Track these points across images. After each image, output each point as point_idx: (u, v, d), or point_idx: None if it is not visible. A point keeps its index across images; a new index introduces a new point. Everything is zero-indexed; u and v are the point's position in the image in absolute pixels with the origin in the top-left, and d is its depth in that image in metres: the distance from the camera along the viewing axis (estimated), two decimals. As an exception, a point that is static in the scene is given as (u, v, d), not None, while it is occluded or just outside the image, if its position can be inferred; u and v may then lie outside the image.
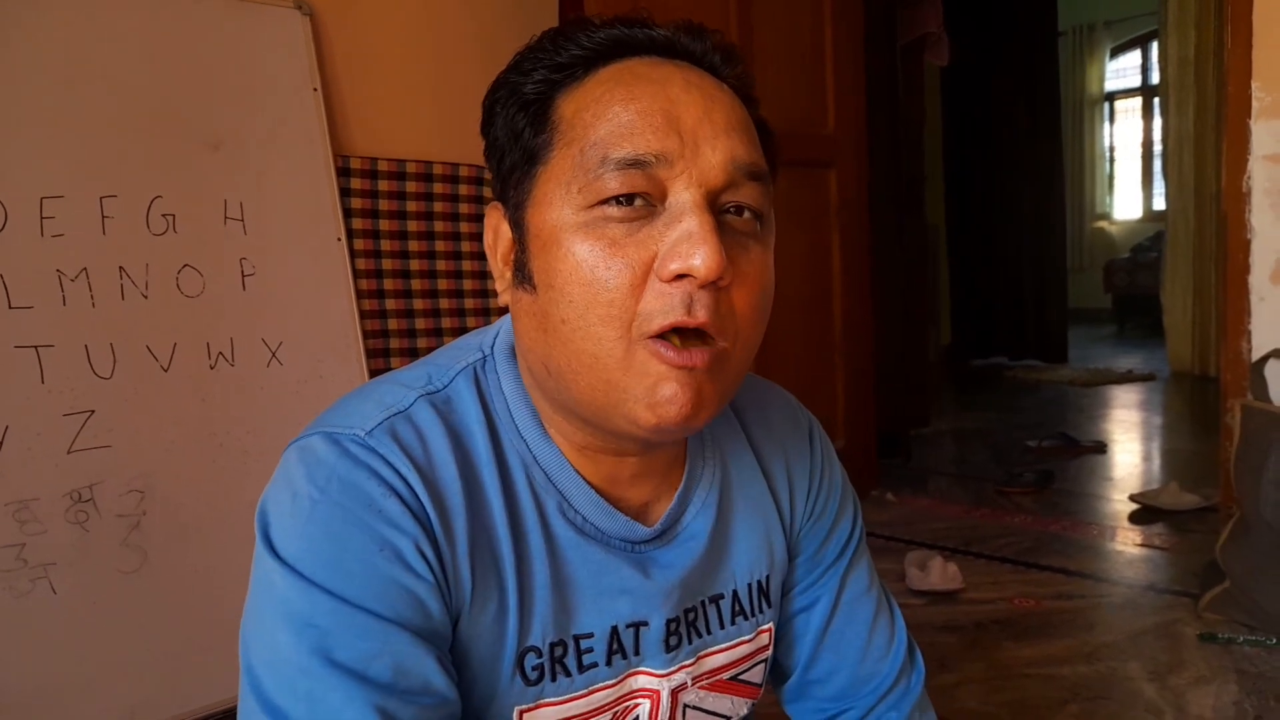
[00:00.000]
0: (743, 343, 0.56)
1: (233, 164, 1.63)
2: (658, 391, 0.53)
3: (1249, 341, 2.01)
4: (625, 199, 0.52)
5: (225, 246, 1.61)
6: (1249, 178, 2.00)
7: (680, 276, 0.51)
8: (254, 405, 1.61)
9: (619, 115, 0.53)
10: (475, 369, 0.62)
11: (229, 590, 1.50)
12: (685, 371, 0.52)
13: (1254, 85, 1.97)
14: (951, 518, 2.60)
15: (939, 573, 1.98)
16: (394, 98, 1.92)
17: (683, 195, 0.53)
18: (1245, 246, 2.02)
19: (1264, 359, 1.95)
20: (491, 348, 0.64)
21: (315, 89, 1.75)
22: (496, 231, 0.61)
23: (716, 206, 0.54)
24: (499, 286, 0.61)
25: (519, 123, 0.57)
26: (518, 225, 0.58)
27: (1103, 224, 8.86)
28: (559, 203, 0.54)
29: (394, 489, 0.54)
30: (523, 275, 0.57)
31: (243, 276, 1.63)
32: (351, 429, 0.56)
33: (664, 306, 0.51)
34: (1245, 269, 2.02)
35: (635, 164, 0.52)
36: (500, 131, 0.59)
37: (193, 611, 1.49)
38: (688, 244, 0.51)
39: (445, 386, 0.61)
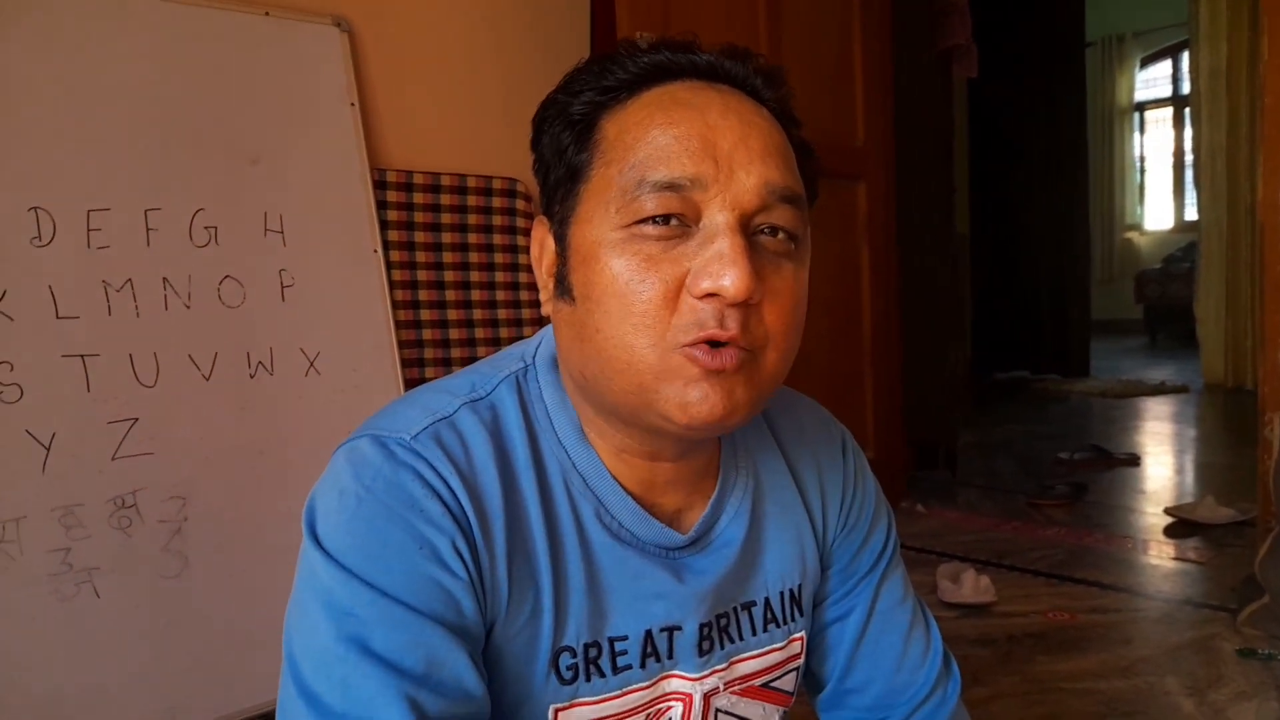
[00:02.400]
0: (775, 350, 0.57)
1: (272, 177, 1.66)
2: (689, 393, 0.55)
3: (1289, 352, 1.98)
4: (661, 219, 0.54)
5: (265, 258, 1.64)
6: (1286, 189, 1.98)
7: (711, 294, 0.53)
8: (292, 414, 1.63)
9: (657, 139, 0.55)
10: (518, 377, 0.64)
11: (267, 595, 1.52)
12: (716, 374, 0.54)
13: (1291, 95, 1.96)
14: (983, 530, 2.58)
15: (971, 585, 1.97)
16: (429, 112, 1.95)
17: (716, 217, 0.54)
18: (1283, 258, 2.00)
19: (1303, 370, 1.92)
20: (534, 357, 0.66)
21: (353, 103, 1.78)
22: (542, 245, 0.63)
23: (749, 228, 0.56)
24: (543, 297, 0.63)
25: (564, 140, 0.59)
26: (561, 239, 0.60)
27: (1133, 234, 8.77)
28: (599, 219, 0.56)
29: (435, 491, 0.56)
30: (563, 287, 0.59)
31: (282, 288, 1.66)
32: (398, 433, 0.58)
33: (696, 320, 0.54)
34: (1284, 280, 2.00)
35: (671, 187, 0.54)
36: (547, 148, 0.61)
37: (232, 616, 1.52)
38: (718, 264, 0.53)
39: (489, 394, 0.63)
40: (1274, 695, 1.54)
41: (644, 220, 0.54)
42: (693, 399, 0.54)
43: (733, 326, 0.54)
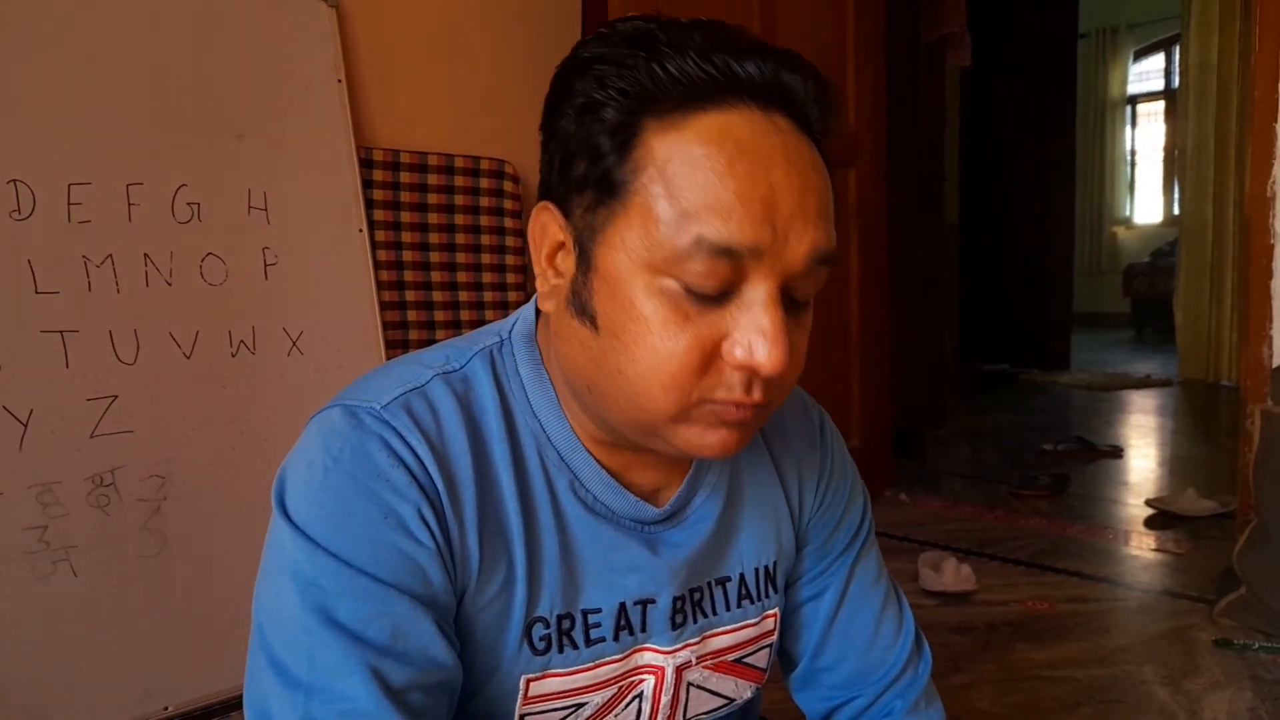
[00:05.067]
0: (786, 390, 0.60)
1: (257, 154, 1.64)
2: (707, 437, 0.56)
3: (1270, 347, 1.99)
4: (710, 297, 0.52)
5: (248, 236, 1.62)
6: (1274, 182, 1.98)
7: (746, 365, 0.53)
8: (274, 393, 1.62)
9: (717, 191, 0.51)
10: (492, 351, 0.64)
11: (247, 576, 1.50)
12: (737, 425, 0.56)
13: (1281, 89, 1.96)
14: (965, 519, 2.59)
15: (952, 574, 1.98)
16: (417, 91, 1.93)
17: (760, 287, 0.53)
18: (1268, 251, 2.01)
19: (1285, 366, 1.94)
20: (510, 333, 0.65)
21: (340, 80, 1.76)
22: (545, 231, 0.58)
23: (787, 293, 0.55)
24: (541, 287, 0.60)
25: (601, 142, 0.53)
26: (584, 255, 0.55)
27: (1121, 228, 8.80)
28: (635, 249, 0.53)
29: (402, 459, 0.56)
30: (581, 306, 0.56)
31: (265, 266, 1.64)
32: (368, 402, 0.58)
33: (725, 384, 0.54)
34: (1268, 274, 2.01)
35: (727, 253, 0.51)
36: (573, 140, 0.55)
37: (211, 596, 1.51)
38: (760, 341, 0.52)
39: (462, 367, 0.62)
40: (1248, 685, 1.56)
41: (690, 289, 0.52)
42: (709, 442, 0.56)
43: (758, 394, 0.55)
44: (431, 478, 0.56)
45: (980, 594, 1.98)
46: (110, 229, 1.45)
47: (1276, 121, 1.97)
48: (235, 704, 1.49)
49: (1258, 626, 1.77)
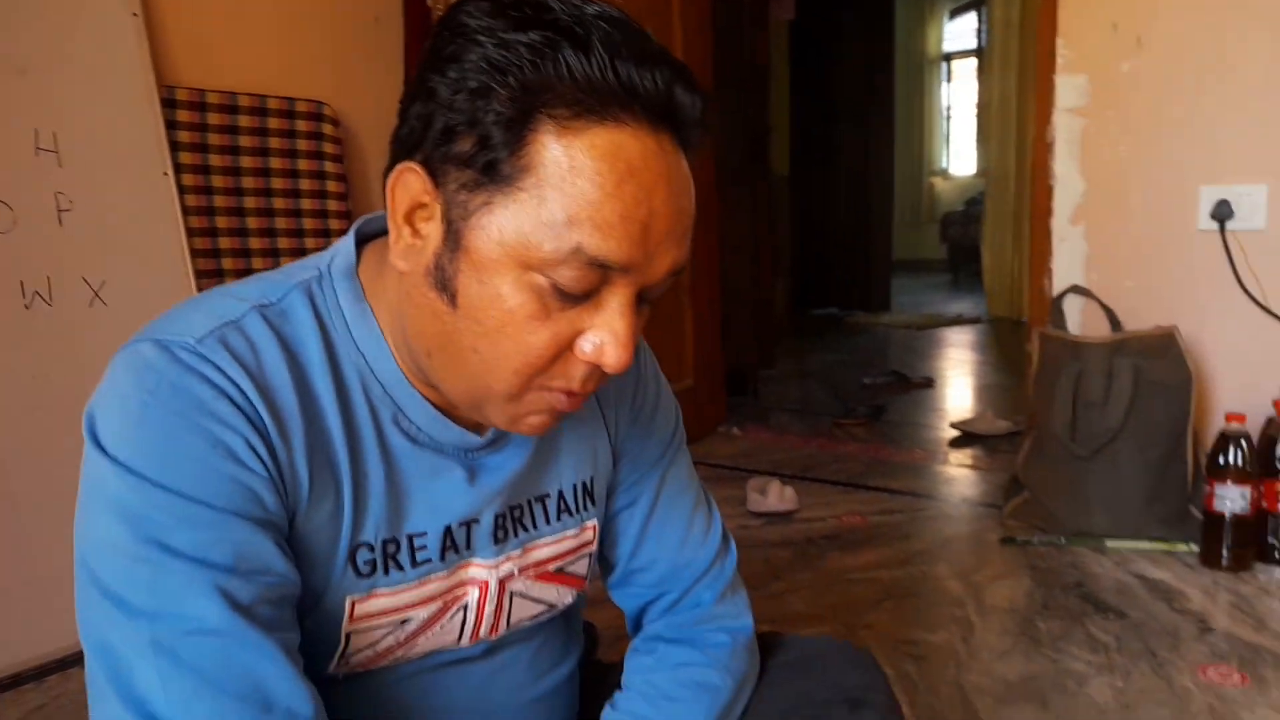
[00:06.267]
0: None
1: (42, 90, 1.53)
2: (528, 419, 0.60)
3: (1050, 279, 2.21)
4: (576, 297, 0.55)
5: (37, 179, 1.51)
6: (1053, 129, 2.17)
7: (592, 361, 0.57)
8: (75, 346, 1.53)
9: (602, 207, 0.53)
10: (310, 285, 0.63)
11: (52, 542, 1.44)
12: (562, 411, 0.60)
13: (1059, 42, 2.14)
14: (791, 449, 2.75)
15: (776, 495, 2.11)
16: (223, 27, 1.84)
17: (620, 294, 0.56)
18: (1049, 192, 2.21)
19: (1063, 294, 2.15)
20: (328, 268, 0.64)
21: (135, 14, 1.66)
22: (406, 190, 0.57)
23: (640, 296, 0.58)
24: (394, 243, 0.58)
25: (490, 126, 0.53)
26: (452, 229, 0.56)
27: (939, 179, 9.35)
28: (510, 246, 0.54)
29: (225, 393, 0.55)
30: (443, 281, 0.56)
31: (59, 211, 1.54)
32: (181, 336, 0.56)
33: (567, 374, 0.58)
34: (1048, 213, 2.22)
35: (601, 265, 0.54)
36: (458, 113, 0.54)
37: (11, 563, 1.43)
38: (612, 343, 0.56)
39: (279, 300, 0.61)
40: (1027, 574, 1.76)
41: (558, 287, 0.54)
42: (529, 423, 0.60)
43: (591, 386, 0.59)
44: (256, 409, 0.56)
45: (801, 513, 2.13)
46: None
47: (1054, 73, 2.16)
48: (74, 661, 1.43)
49: (1038, 525, 1.98)
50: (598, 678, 0.85)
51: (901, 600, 1.65)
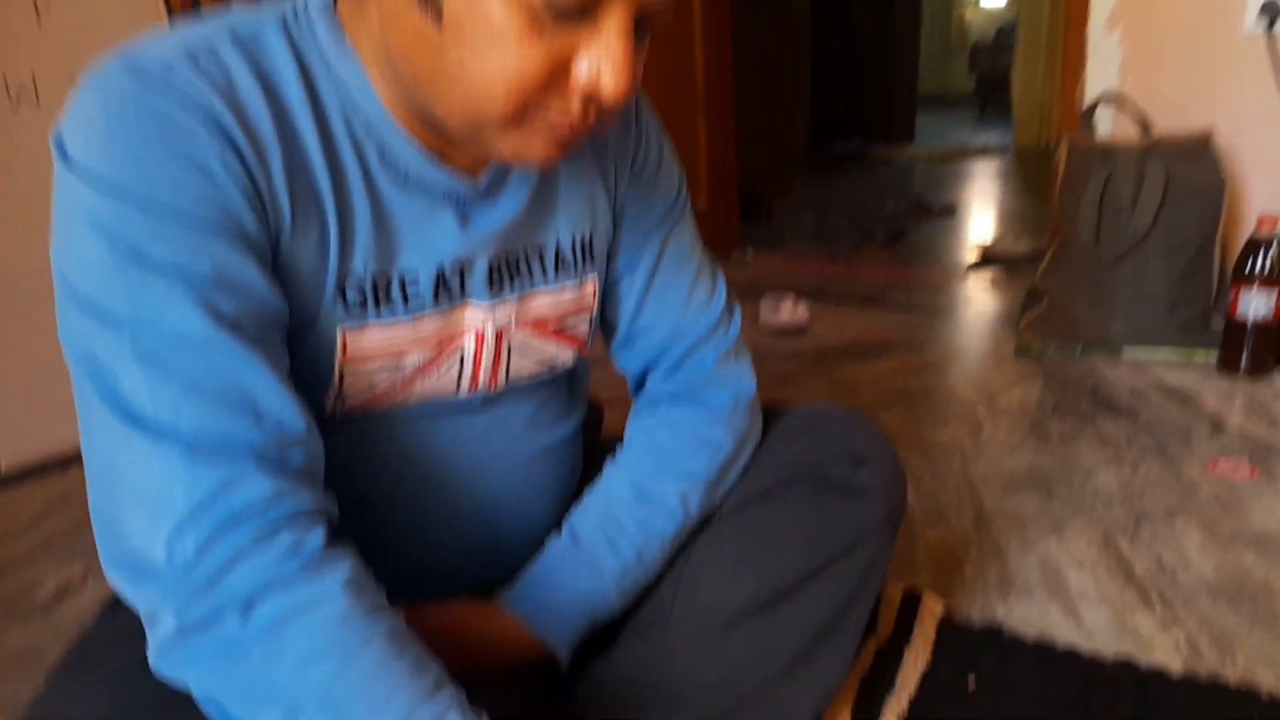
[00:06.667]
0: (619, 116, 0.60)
1: None
2: (532, 146, 0.55)
3: (1083, 90, 2.09)
4: (573, 11, 0.50)
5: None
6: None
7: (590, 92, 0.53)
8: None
9: None
10: (285, 19, 0.59)
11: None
12: (567, 142, 0.56)
13: None
14: (808, 274, 2.71)
15: (789, 310, 2.09)
16: None
17: (616, 14, 0.51)
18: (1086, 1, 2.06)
19: (1094, 104, 2.04)
20: (303, 3, 0.61)
21: None
22: None
23: (638, 22, 0.53)
24: None
25: None
26: None
27: (969, 9, 8.89)
28: None
29: (196, 111, 0.53)
30: None
31: (36, 12, 1.47)
32: (151, 58, 0.54)
33: (564, 105, 0.54)
34: (1084, 21, 2.08)
35: None
36: None
37: (35, 356, 1.45)
38: (609, 67, 0.52)
39: (253, 35, 0.58)
40: (1040, 381, 1.75)
41: (551, 3, 0.50)
42: (535, 151, 0.56)
43: (593, 118, 0.55)
44: (229, 130, 0.53)
45: (815, 328, 2.11)
46: None
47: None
48: (74, 459, 1.47)
49: (1055, 335, 1.95)
50: (600, 453, 0.85)
51: (913, 404, 1.65)
